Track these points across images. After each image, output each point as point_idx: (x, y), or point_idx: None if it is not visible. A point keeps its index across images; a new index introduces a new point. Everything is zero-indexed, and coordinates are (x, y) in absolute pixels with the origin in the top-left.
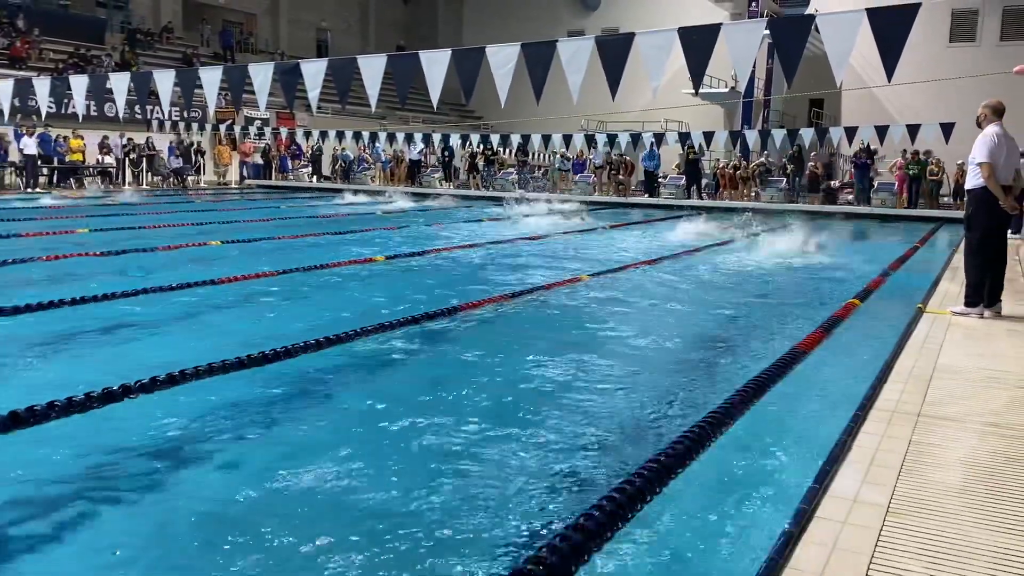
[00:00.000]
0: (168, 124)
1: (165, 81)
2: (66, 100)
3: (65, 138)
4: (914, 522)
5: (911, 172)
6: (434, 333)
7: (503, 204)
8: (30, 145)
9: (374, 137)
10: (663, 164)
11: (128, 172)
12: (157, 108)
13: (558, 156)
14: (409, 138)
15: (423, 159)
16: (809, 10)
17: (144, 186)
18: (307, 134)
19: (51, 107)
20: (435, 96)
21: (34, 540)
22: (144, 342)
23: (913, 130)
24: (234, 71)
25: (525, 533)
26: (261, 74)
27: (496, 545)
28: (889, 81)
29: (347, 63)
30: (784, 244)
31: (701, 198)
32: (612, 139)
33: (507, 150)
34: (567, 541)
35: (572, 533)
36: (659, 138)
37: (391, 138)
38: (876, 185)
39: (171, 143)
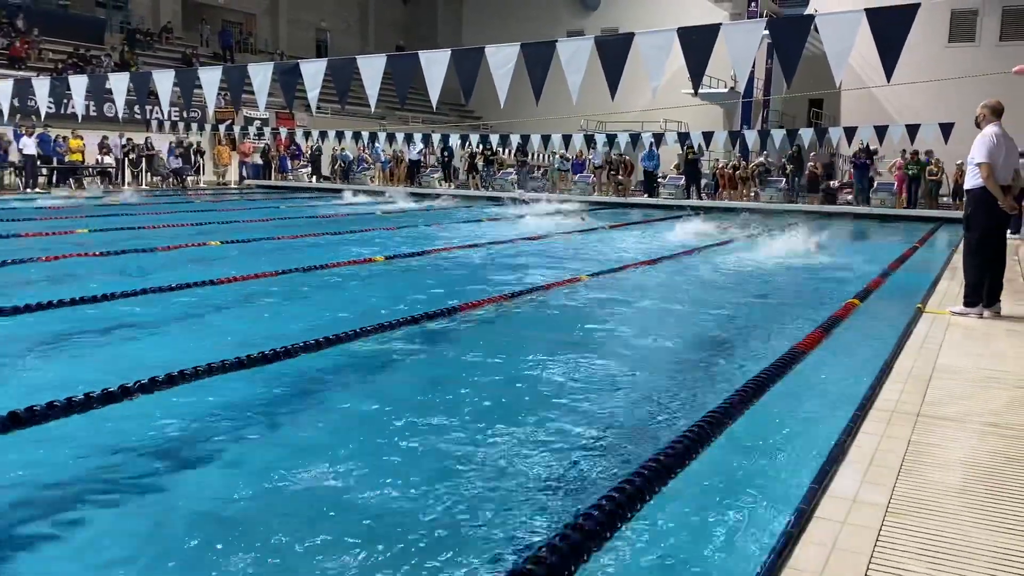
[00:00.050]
0: (167, 124)
1: (164, 81)
2: (65, 100)
3: (64, 138)
4: (914, 522)
5: (910, 172)
6: (434, 333)
7: (502, 204)
8: (29, 145)
9: (373, 137)
10: (662, 164)
11: (127, 172)
12: (156, 108)
13: (557, 156)
14: (408, 138)
15: (422, 159)
16: (808, 10)
17: (143, 186)
18: (306, 134)
19: (50, 107)
20: (434, 96)
21: (34, 540)
22: (144, 342)
23: (912, 130)
24: (233, 71)
25: (525, 533)
26: (260, 74)
27: (496, 545)
28: (888, 81)
29: (346, 63)
30: (783, 244)
31: (700, 198)
32: (611, 139)
33: (506, 150)
34: (567, 541)
35: (572, 533)
36: (658, 138)
37: (391, 138)
38: (875, 185)
39: (170, 143)
